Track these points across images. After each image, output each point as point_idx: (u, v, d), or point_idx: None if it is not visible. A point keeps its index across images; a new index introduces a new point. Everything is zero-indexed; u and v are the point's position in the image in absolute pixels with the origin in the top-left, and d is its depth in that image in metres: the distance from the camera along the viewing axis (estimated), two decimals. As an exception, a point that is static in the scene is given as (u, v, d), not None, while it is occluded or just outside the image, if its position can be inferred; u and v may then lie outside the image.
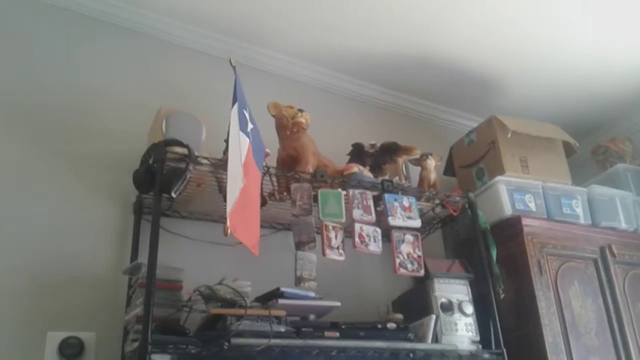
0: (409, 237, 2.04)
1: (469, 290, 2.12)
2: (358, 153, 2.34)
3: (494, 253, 2.19)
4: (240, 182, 1.59)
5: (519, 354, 2.08)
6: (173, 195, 1.69)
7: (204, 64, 2.49)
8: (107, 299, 1.90)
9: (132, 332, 1.68)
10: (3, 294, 1.78)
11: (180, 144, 1.79)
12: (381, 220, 2.03)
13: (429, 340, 1.92)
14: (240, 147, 1.63)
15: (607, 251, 2.46)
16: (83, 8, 2.31)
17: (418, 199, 2.16)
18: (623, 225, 2.59)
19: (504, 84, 2.96)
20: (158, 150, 1.75)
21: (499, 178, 2.43)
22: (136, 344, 1.54)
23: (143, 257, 1.68)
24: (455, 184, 2.69)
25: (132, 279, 1.84)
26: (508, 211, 2.37)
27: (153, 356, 1.49)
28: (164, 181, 1.69)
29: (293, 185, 1.95)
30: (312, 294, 1.86)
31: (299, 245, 1.87)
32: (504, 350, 1.98)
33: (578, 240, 2.43)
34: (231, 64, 1.67)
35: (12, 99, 2.06)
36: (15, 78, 2.10)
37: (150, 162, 1.77)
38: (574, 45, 2.68)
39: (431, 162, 2.43)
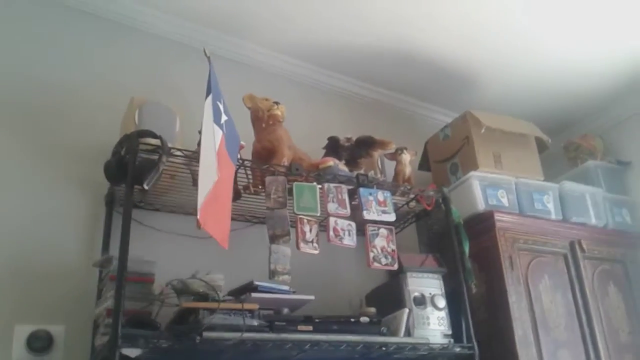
0: (383, 231, 2.05)
1: (442, 284, 2.14)
2: (334, 147, 2.34)
3: (466, 247, 2.21)
4: (214, 175, 1.57)
5: (490, 347, 2.12)
6: (145, 187, 1.66)
7: (178, 54, 2.45)
8: (77, 291, 1.87)
9: (102, 325, 1.65)
10: (-31, 286, 1.75)
11: (154, 135, 1.77)
12: (356, 214, 2.03)
13: (402, 334, 1.94)
14: (214, 139, 1.61)
15: (577, 246, 2.51)
16: (54, -5, 2.26)
17: (393, 193, 2.16)
18: (593, 220, 2.64)
19: (480, 80, 2.98)
20: (130, 141, 1.72)
21: (472, 173, 2.46)
22: (106, 338, 1.52)
23: (114, 250, 1.65)
24: (430, 179, 2.71)
25: (103, 272, 1.81)
26: (481, 206, 2.39)
27: (123, 350, 1.47)
28: (136, 173, 1.66)
29: (268, 178, 1.93)
30: (286, 288, 1.85)
31: (273, 239, 1.86)
32: (475, 344, 2.00)
33: (548, 235, 2.47)
34: (206, 54, 1.65)
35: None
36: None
37: (123, 153, 1.74)
38: (549, 44, 2.71)
39: (406, 157, 2.44)
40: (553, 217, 2.53)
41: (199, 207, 1.44)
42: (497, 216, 2.36)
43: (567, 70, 2.92)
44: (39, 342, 1.75)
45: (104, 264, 1.77)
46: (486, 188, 2.44)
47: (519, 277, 2.28)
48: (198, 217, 1.43)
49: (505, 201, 2.45)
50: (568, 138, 3.18)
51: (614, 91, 3.08)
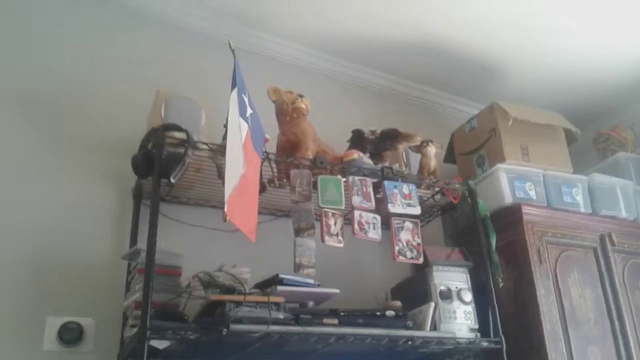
0: (408, 225, 2.04)
1: (468, 278, 2.12)
2: (358, 139, 2.32)
3: (493, 241, 2.18)
4: (241, 168, 1.58)
5: (517, 342, 2.09)
6: (172, 180, 1.67)
7: (204, 48, 2.46)
8: (106, 284, 1.90)
9: (131, 317, 1.67)
10: (2, 279, 1.78)
11: (179, 129, 1.77)
12: (380, 207, 2.02)
13: (428, 328, 1.92)
14: (240, 133, 1.62)
15: (607, 240, 2.46)
16: (81, -9, 2.28)
17: (418, 186, 2.15)
18: (623, 214, 2.58)
19: (506, 70, 2.93)
20: (157, 135, 1.73)
21: (499, 166, 2.42)
22: (135, 330, 1.54)
23: (142, 243, 1.67)
24: (456, 172, 2.68)
25: (131, 265, 1.84)
26: (508, 199, 2.35)
27: (152, 342, 1.49)
28: (163, 166, 1.68)
29: (292, 171, 1.94)
30: (311, 281, 1.85)
31: (298, 232, 1.86)
32: (502, 338, 1.98)
33: (578, 228, 2.42)
34: (230, 47, 1.65)
35: (12, 82, 2.04)
36: (15, 62, 2.08)
37: (149, 147, 1.75)
38: (577, 32, 2.66)
39: (431, 149, 2.42)
40: (582, 210, 2.48)
41: (225, 200, 1.45)
42: (525, 209, 2.32)
43: (595, 60, 2.86)
44: (70, 334, 1.78)
45: (132, 256, 1.79)
46: (513, 181, 2.40)
47: (547, 271, 2.24)
48: (225, 210, 1.43)
49: (533, 194, 2.41)
50: (597, 129, 3.11)
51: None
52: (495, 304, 2.04)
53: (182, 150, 1.72)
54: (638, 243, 2.54)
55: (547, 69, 2.92)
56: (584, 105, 3.15)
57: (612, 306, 2.33)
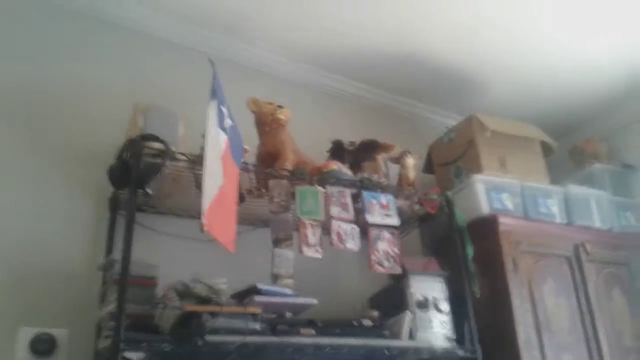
0: (386, 235, 2.05)
1: (445, 287, 2.14)
2: (338, 150, 2.34)
3: (470, 251, 2.20)
4: (220, 179, 1.58)
5: (493, 351, 2.10)
6: (148, 191, 1.67)
7: (183, 58, 2.46)
8: (80, 294, 1.88)
9: (105, 329, 1.66)
10: (-26, 288, 1.76)
11: (157, 139, 1.77)
12: (359, 217, 2.03)
13: (404, 337, 1.94)
14: (218, 144, 1.62)
15: (581, 249, 2.50)
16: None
17: (396, 196, 2.16)
18: (597, 224, 2.62)
19: (484, 83, 2.98)
20: (134, 146, 1.73)
21: (476, 177, 2.45)
22: (109, 341, 1.52)
23: (118, 253, 1.66)
24: (434, 182, 2.70)
25: (106, 275, 1.82)
26: (485, 210, 2.38)
27: (126, 354, 1.48)
28: (140, 177, 1.67)
29: (271, 182, 1.94)
30: (289, 291, 1.86)
31: (276, 243, 1.87)
32: (478, 347, 2.00)
33: (553, 238, 2.46)
34: (210, 60, 1.66)
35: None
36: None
37: (126, 157, 1.74)
38: (552, 46, 2.71)
39: (410, 160, 2.43)
40: (557, 220, 2.52)
41: (203, 211, 1.45)
42: (501, 219, 2.35)
43: (569, 74, 2.92)
44: (42, 345, 1.76)
45: (107, 267, 1.78)
46: (490, 191, 2.43)
47: (522, 281, 2.27)
48: (203, 221, 1.43)
49: (509, 205, 2.44)
50: (573, 142, 3.17)
51: (618, 95, 3.08)
52: (472, 314, 2.06)
53: (159, 161, 1.71)
54: (612, 253, 2.59)
55: (525, 82, 2.97)
56: (561, 117, 3.21)
57: (586, 315, 2.37)
